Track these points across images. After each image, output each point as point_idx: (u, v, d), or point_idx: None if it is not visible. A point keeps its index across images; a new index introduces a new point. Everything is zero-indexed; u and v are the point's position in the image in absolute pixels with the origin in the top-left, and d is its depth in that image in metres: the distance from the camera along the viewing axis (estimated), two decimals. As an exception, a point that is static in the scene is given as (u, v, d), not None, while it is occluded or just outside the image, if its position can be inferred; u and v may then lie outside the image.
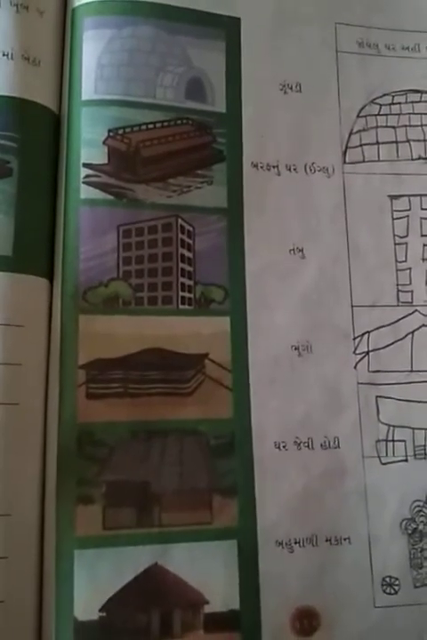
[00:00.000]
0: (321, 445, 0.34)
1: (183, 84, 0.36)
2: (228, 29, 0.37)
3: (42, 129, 0.34)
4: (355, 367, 0.35)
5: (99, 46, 0.35)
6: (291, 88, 0.37)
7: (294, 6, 0.38)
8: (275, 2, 0.38)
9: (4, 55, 0.34)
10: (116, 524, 0.31)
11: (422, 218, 0.37)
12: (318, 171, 0.37)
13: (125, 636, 0.30)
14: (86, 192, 0.34)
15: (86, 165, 0.34)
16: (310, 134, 0.37)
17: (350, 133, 0.38)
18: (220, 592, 0.31)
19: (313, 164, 0.37)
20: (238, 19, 0.37)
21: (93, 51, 0.35)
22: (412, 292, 0.36)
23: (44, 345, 0.33)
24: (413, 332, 0.36)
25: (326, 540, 0.33)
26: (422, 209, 0.37)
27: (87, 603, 0.30)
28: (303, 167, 0.37)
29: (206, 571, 0.31)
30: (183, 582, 0.31)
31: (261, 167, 0.36)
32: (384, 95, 0.38)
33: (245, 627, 0.31)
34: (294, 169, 0.37)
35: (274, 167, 0.36)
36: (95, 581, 0.30)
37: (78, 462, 0.31)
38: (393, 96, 0.38)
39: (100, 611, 0.30)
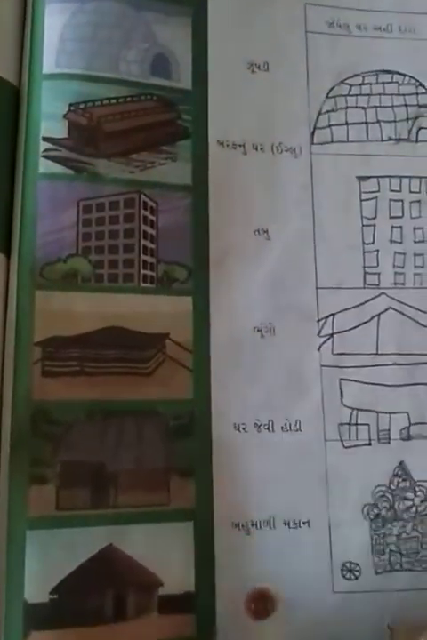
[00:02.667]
0: (282, 428, 0.33)
1: (148, 60, 0.36)
2: (195, 7, 0.37)
3: (-1, 101, 0.34)
4: (318, 349, 0.34)
5: (61, 19, 0.34)
6: (258, 67, 0.37)
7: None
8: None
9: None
10: (71, 504, 0.31)
11: (390, 199, 0.37)
12: (285, 151, 0.36)
13: (77, 618, 0.30)
14: (45, 166, 0.33)
15: (46, 139, 0.33)
16: (278, 114, 0.37)
17: (319, 114, 0.37)
18: (175, 574, 0.31)
19: (280, 143, 0.36)
20: None
21: (56, 24, 0.34)
22: (379, 274, 0.36)
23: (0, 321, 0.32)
24: (379, 315, 0.35)
25: (285, 523, 0.32)
26: (390, 191, 0.37)
27: (38, 585, 0.30)
28: (270, 147, 0.36)
29: (162, 552, 0.31)
30: (138, 564, 0.31)
31: (228, 145, 0.36)
32: (355, 76, 0.38)
33: (199, 609, 0.31)
34: (261, 148, 0.36)
35: (240, 146, 0.36)
36: (47, 563, 0.30)
37: (32, 441, 0.31)
38: (363, 76, 0.38)
39: (52, 593, 0.30)
